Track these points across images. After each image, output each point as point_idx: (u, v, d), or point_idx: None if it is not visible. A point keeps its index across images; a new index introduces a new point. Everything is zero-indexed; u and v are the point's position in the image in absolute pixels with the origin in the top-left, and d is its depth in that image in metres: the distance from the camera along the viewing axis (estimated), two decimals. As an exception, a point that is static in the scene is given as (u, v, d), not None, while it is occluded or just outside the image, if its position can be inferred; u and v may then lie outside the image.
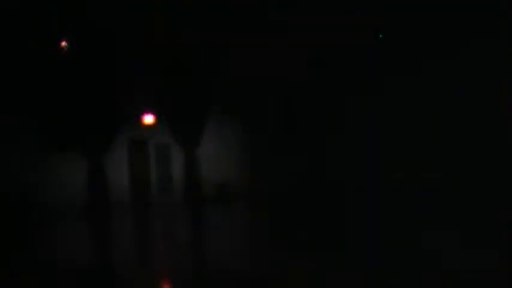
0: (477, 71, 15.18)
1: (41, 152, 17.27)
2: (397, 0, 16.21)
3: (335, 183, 17.54)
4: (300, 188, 18.31)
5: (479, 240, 7.66)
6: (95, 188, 17.14)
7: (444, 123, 16.10)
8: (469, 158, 15.30)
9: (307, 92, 18.68)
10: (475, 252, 6.84)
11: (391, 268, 6.29)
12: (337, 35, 17.06)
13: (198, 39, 17.19)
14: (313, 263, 6.85)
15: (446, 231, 8.53)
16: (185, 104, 17.89)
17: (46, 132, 17.36)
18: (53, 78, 16.87)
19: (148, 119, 18.69)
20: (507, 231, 8.17)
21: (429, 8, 15.52)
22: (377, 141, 17.32)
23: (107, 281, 7.11)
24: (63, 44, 16.65)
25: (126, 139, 18.31)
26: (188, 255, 8.73)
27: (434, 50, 16.01)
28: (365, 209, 12.41)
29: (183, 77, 17.63)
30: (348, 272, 6.24)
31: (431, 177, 15.94)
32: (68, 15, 16.06)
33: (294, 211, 13.69)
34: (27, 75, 16.82)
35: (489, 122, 15.13)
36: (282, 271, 6.61)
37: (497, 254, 6.64)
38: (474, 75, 15.27)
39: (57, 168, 17.38)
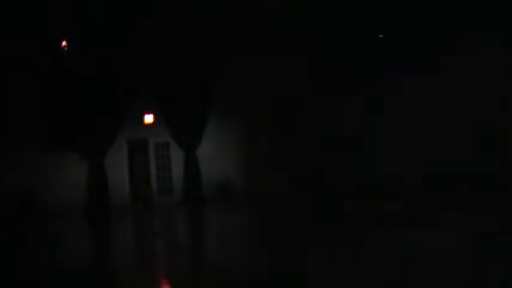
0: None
1: (41, 151, 17.28)
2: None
3: (335, 183, 17.56)
4: (300, 188, 18.32)
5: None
6: (95, 188, 17.14)
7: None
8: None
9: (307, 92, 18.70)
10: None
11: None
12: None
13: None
14: (313, 263, 6.85)
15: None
16: (185, 103, 17.90)
17: (46, 132, 17.38)
18: (53, 78, 16.90)
19: (148, 119, 18.71)
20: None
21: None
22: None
23: (106, 281, 7.11)
24: (64, 44, 16.66)
25: (126, 139, 18.33)
26: (188, 256, 8.73)
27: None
28: (364, 209, 12.40)
29: (183, 77, 17.65)
30: (350, 272, 6.24)
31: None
32: (67, 15, 16.09)
33: (294, 211, 13.70)
34: (27, 75, 16.84)
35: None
36: (282, 271, 6.61)
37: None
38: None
39: (57, 168, 17.39)
